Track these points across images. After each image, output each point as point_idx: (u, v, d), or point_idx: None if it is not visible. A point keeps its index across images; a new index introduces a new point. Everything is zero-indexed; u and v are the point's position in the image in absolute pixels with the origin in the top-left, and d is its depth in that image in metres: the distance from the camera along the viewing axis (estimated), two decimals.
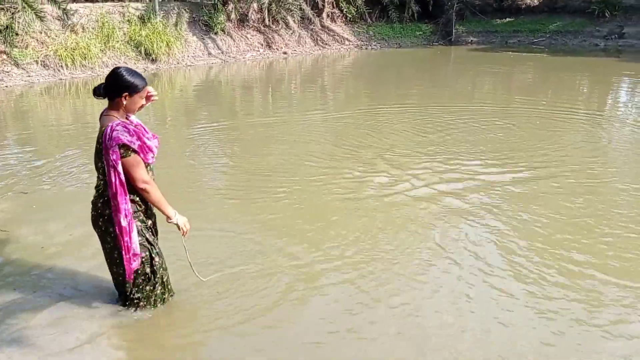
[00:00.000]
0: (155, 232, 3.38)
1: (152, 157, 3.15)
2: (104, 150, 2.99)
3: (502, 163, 6.53)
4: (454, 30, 21.51)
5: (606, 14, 19.95)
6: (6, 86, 12.09)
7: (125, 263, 3.17)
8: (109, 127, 2.97)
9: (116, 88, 3.02)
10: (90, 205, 3.22)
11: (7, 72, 12.50)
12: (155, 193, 3.11)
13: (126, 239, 3.10)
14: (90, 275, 3.89)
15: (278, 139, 7.84)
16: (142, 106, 3.14)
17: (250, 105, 11.04)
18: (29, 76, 12.70)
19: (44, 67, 13.12)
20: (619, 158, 6.94)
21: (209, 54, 16.89)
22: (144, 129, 3.20)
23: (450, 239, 4.56)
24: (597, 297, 3.68)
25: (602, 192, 5.58)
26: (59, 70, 13.18)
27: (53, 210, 5.16)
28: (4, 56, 12.66)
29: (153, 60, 15.24)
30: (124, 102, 3.02)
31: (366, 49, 20.10)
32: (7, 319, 3.39)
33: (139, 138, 3.03)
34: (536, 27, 21.24)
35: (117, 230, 3.09)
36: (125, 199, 3.04)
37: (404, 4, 21.32)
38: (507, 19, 22.34)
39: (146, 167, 3.13)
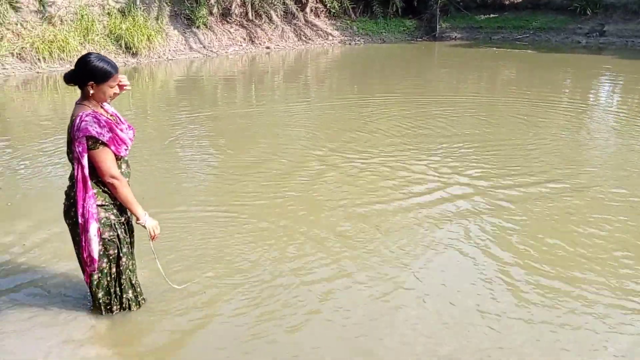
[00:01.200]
0: (129, 230, 3.15)
1: (126, 150, 2.95)
2: (72, 142, 2.81)
3: (486, 152, 6.47)
4: (438, 26, 21.48)
5: (587, 12, 20.05)
6: None
7: (82, 262, 2.98)
8: (79, 117, 2.79)
9: (82, 76, 2.81)
10: (64, 196, 3.02)
11: None
12: (123, 189, 2.90)
13: (82, 237, 2.89)
14: (66, 276, 3.68)
15: (260, 131, 7.67)
16: (115, 95, 2.93)
17: (233, 97, 10.85)
18: (4, 69, 12.31)
19: (20, 59, 12.75)
20: (604, 145, 6.96)
21: (191, 48, 16.61)
22: (119, 119, 3.02)
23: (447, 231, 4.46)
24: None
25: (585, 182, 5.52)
26: (35, 64, 12.81)
27: (28, 207, 4.94)
28: None
29: (134, 54, 14.92)
30: (91, 91, 2.83)
31: (350, 44, 19.97)
32: None
33: (110, 129, 2.84)
34: (520, 23, 21.28)
35: None
36: (86, 195, 2.83)
37: None
38: (492, 15, 22.36)
39: (118, 159, 2.94)
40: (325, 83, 13.02)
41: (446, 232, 4.45)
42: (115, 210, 2.99)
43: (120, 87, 2.95)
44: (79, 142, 2.77)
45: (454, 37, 21.35)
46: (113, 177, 2.86)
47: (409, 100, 9.95)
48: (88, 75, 2.80)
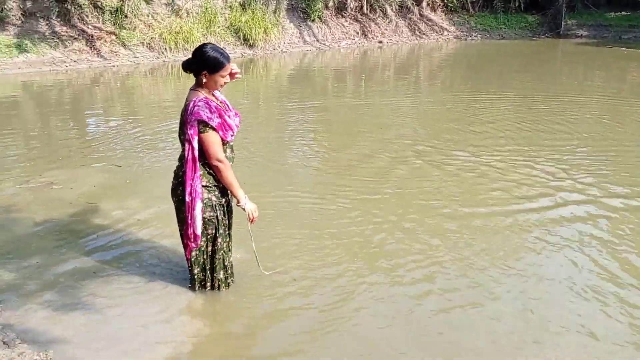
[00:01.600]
0: (228, 212, 3.27)
1: (232, 135, 3.10)
2: (184, 124, 2.99)
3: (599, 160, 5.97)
4: (563, 23, 20.15)
5: None
6: (113, 66, 12.79)
7: (185, 239, 3.15)
8: (192, 102, 2.98)
9: (198, 65, 2.99)
10: (173, 175, 3.21)
11: (115, 52, 13.22)
12: (227, 173, 3.05)
13: (187, 215, 3.07)
14: (169, 252, 3.89)
15: (366, 123, 7.66)
16: (225, 83, 3.08)
17: (343, 89, 10.93)
18: (135, 57, 13.35)
19: (149, 49, 13.74)
20: None
21: (305, 41, 16.96)
22: (228, 106, 3.18)
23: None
24: None
25: None
26: (162, 53, 13.75)
27: (143, 185, 5.30)
28: (113, 37, 13.40)
29: (250, 46, 15.52)
30: (204, 80, 3.00)
31: (466, 39, 19.32)
32: (79, 289, 3.44)
33: (220, 115, 3.01)
34: None
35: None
36: (195, 175, 3.01)
37: None
38: (623, 13, 20.60)
39: (224, 144, 3.09)
40: (437, 78, 12.73)
41: (554, 239, 4.17)
42: (217, 192, 3.14)
43: (232, 75, 3.10)
44: (191, 125, 2.96)
45: (579, 34, 19.93)
46: (219, 160, 3.01)
47: (525, 99, 9.46)
48: (203, 65, 2.98)
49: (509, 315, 3.22)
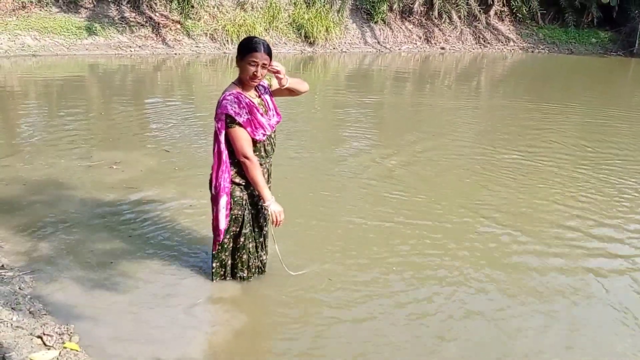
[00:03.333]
0: (261, 212, 3.21)
1: (263, 135, 3.01)
2: (215, 117, 2.98)
3: None
4: (637, 41, 19.18)
5: None
6: (176, 54, 13.10)
7: (213, 230, 3.13)
8: (223, 96, 2.96)
9: (237, 55, 2.97)
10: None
11: (179, 41, 13.54)
12: (253, 171, 2.96)
13: (214, 208, 3.05)
14: (201, 243, 3.88)
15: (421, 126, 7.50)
16: (255, 75, 2.90)
17: (401, 89, 10.78)
18: (197, 47, 13.63)
19: (212, 39, 14.00)
20: None
21: (366, 42, 16.85)
22: (268, 105, 3.10)
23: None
24: None
25: None
26: (224, 44, 13.99)
27: (188, 173, 5.33)
28: (178, 26, 13.73)
29: (311, 44, 15.56)
30: (238, 68, 2.97)
31: (532, 52, 18.69)
32: (112, 270, 3.48)
33: (250, 112, 2.94)
34: None
35: None
36: (220, 169, 2.98)
37: (584, 7, 19.45)
38: None
39: (256, 143, 3.01)
40: (499, 88, 12.36)
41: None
42: (249, 191, 3.10)
43: (272, 71, 3.01)
44: (218, 118, 2.94)
45: None
46: (245, 157, 2.95)
47: (591, 114, 9.01)
48: (238, 53, 2.94)
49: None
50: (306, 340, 2.94)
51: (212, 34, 14.04)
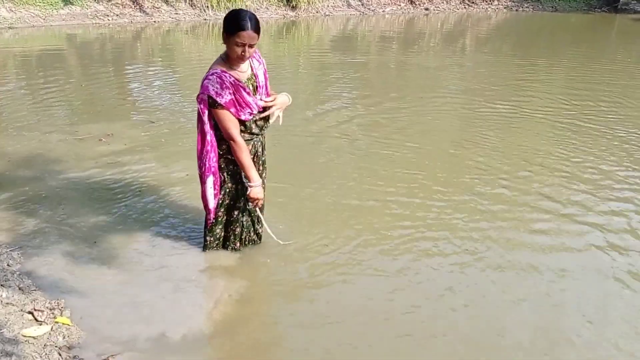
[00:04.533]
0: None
1: (250, 114, 2.90)
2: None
3: None
4: None
5: None
6: (154, 22, 12.80)
7: (204, 207, 3.11)
8: (206, 75, 2.83)
9: (223, 32, 2.79)
10: None
11: (157, 8, 13.21)
12: (239, 152, 2.87)
13: (203, 187, 3.01)
14: (194, 213, 3.85)
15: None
16: (243, 55, 2.75)
17: (387, 48, 10.66)
18: (177, 14, 13.31)
19: (191, 6, 13.67)
20: None
21: (349, 5, 16.58)
22: (259, 82, 2.96)
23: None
24: None
25: None
26: (204, 11, 13.65)
27: (173, 144, 5.26)
28: None
29: (293, 8, 15.27)
30: (225, 44, 2.79)
31: (516, 10, 18.53)
32: (102, 244, 3.46)
33: (235, 91, 2.80)
34: None
35: None
36: (203, 149, 2.90)
37: None
38: None
39: (243, 122, 2.90)
40: (486, 46, 12.27)
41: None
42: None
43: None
44: (200, 99, 2.82)
45: (638, 10, 18.84)
46: (230, 138, 2.86)
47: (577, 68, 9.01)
48: (224, 31, 2.77)
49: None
50: (306, 305, 2.97)
51: (191, 0, 13.71)
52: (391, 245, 3.55)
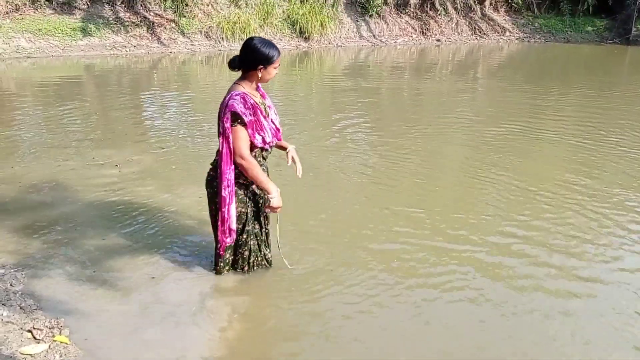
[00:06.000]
0: (265, 215, 3.27)
1: (262, 142, 3.04)
2: (220, 117, 2.98)
3: None
4: (633, 29, 19.11)
5: None
6: (171, 52, 13.10)
7: (219, 234, 3.13)
8: (230, 95, 2.97)
9: (252, 61, 2.97)
10: (210, 167, 3.20)
11: (174, 39, 13.54)
12: (252, 170, 2.96)
13: (224, 209, 3.04)
14: (200, 239, 3.88)
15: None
16: (275, 75, 3.10)
17: (398, 83, 10.77)
18: (192, 45, 13.63)
19: (207, 37, 14.00)
20: None
21: (361, 36, 16.83)
22: (268, 109, 3.16)
23: None
24: None
25: None
26: (219, 42, 13.98)
27: (185, 171, 5.33)
28: (173, 24, 13.73)
29: (306, 39, 15.55)
30: (259, 75, 2.99)
31: (528, 41, 18.65)
32: (105, 267, 3.49)
33: (254, 113, 2.98)
34: None
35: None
36: (229, 168, 2.98)
37: None
38: None
39: (252, 149, 3.02)
40: (496, 77, 12.34)
41: None
42: (252, 188, 3.14)
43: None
44: (226, 117, 2.93)
45: None
46: (242, 156, 2.94)
47: (589, 104, 9.01)
48: (259, 59, 2.95)
49: None
50: (311, 337, 2.94)
51: (206, 32, 14.03)
52: (399, 274, 3.52)
